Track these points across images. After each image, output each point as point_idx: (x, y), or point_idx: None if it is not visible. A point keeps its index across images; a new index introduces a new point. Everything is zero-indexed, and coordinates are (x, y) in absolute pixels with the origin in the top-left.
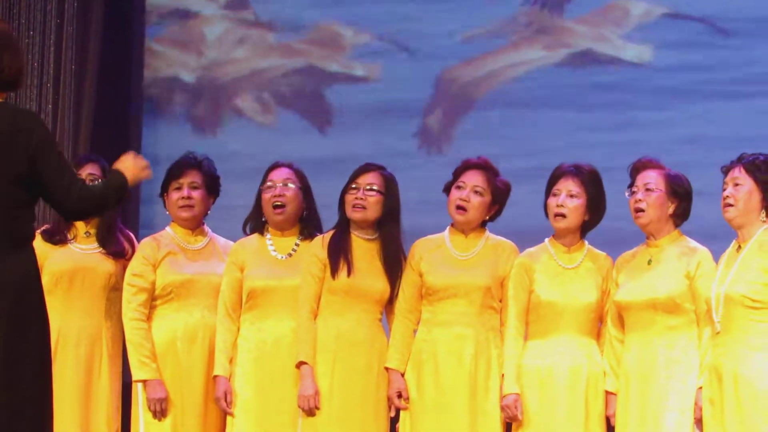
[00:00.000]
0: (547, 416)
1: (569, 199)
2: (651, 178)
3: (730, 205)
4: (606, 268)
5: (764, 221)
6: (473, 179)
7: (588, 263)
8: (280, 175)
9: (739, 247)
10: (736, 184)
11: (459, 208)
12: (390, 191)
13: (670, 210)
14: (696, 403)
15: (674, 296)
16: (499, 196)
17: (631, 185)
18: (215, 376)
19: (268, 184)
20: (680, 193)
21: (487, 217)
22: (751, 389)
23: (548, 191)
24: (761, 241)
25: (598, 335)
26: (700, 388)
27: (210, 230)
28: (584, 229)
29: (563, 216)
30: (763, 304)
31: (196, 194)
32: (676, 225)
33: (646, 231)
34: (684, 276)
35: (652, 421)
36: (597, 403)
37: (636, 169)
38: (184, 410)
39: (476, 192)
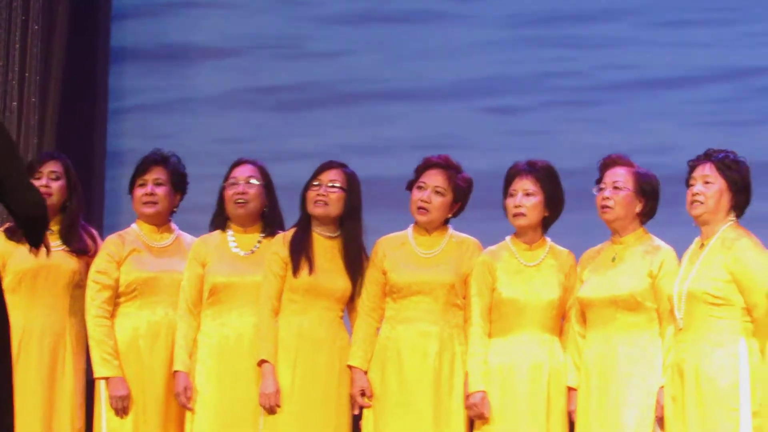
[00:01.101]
0: (509, 414)
1: (526, 198)
2: (620, 176)
3: (699, 203)
4: (569, 264)
5: (732, 220)
6: (434, 180)
7: (550, 260)
8: (243, 172)
9: (702, 244)
10: (707, 182)
11: (420, 209)
12: (352, 188)
13: (638, 209)
14: (657, 402)
15: (636, 294)
16: (460, 194)
17: (599, 181)
18: (175, 372)
19: (231, 180)
20: (648, 191)
21: (450, 215)
22: (712, 385)
23: (505, 191)
24: (724, 239)
25: (560, 332)
26: (662, 387)
27: (177, 228)
28: (545, 225)
29: (523, 215)
30: (725, 300)
31: (160, 191)
32: (642, 223)
33: (612, 228)
34: (647, 275)
35: (612, 418)
36: (559, 400)
37: (605, 165)
38: (146, 408)
39: (437, 192)
